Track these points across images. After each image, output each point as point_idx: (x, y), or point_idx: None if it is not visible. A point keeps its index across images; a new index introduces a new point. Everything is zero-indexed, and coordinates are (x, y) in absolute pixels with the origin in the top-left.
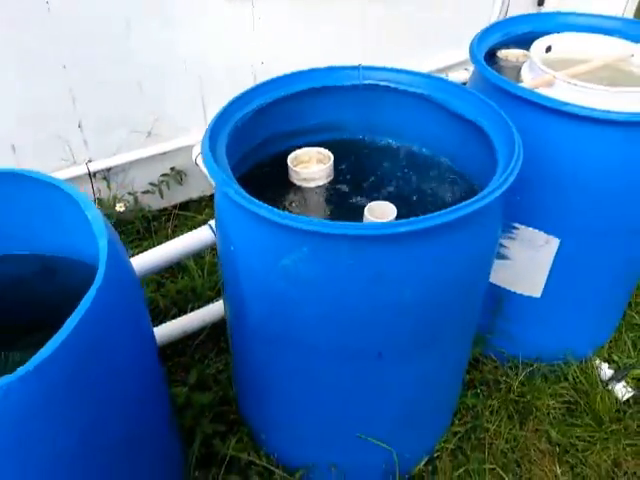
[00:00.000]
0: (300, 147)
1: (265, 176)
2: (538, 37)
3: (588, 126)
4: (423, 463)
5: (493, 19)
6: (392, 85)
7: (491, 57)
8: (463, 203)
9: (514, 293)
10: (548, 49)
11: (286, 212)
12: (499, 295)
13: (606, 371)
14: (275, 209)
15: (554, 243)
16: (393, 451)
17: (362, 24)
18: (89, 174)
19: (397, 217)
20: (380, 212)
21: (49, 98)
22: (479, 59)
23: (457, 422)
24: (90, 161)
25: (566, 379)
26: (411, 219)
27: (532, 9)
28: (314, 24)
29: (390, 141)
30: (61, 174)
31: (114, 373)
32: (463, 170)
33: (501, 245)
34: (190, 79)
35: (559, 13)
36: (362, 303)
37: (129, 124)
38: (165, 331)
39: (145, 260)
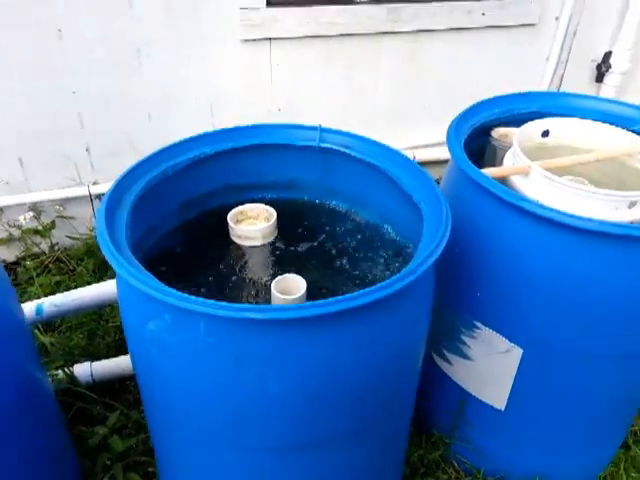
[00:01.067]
0: (252, 202)
1: (210, 227)
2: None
3: (549, 229)
4: None
5: None
6: (342, 150)
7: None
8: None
9: (477, 399)
10: (545, 133)
11: (149, 277)
12: (461, 397)
13: None
14: (138, 274)
15: (516, 352)
16: None
17: (384, 79)
18: (90, 196)
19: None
20: (289, 286)
21: (58, 120)
22: (453, 137)
23: None
24: (95, 183)
25: None
26: (273, 306)
27: (588, 87)
28: (333, 75)
29: (341, 205)
30: (65, 192)
31: None
32: (408, 244)
33: (463, 343)
34: (202, 116)
35: (570, 94)
36: (224, 387)
37: (137, 151)
38: (109, 365)
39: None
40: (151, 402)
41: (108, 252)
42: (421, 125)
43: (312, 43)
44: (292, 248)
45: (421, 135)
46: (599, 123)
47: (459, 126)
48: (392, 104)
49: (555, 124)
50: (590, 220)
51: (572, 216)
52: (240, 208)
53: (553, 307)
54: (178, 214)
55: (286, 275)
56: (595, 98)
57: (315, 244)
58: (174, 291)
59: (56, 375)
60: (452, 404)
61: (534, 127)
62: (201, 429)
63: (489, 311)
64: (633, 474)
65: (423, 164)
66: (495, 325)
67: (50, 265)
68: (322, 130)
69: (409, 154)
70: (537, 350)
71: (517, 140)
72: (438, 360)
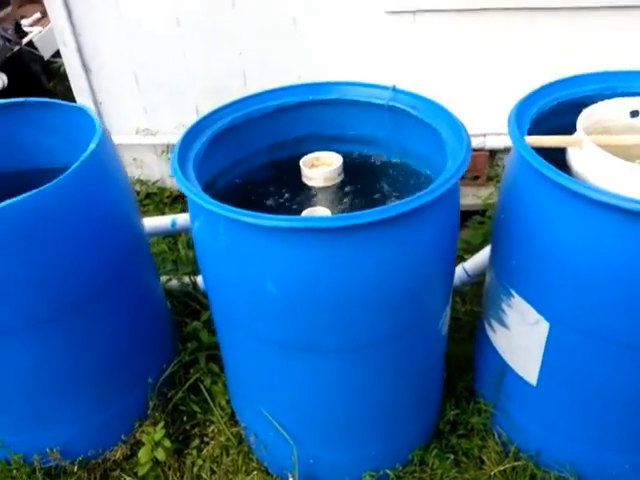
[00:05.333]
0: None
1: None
2: None
3: (581, 204)
4: None
5: None
6: (408, 109)
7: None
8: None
9: (513, 370)
10: (635, 113)
11: (195, 186)
12: (501, 367)
13: None
14: (188, 183)
15: (544, 326)
16: None
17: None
18: None
19: None
20: None
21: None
22: (519, 107)
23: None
24: None
25: None
26: (269, 215)
27: None
28: (475, 50)
29: (405, 160)
30: None
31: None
32: None
33: (502, 311)
34: None
35: None
36: (236, 283)
37: None
38: None
39: None
40: (211, 299)
41: (175, 169)
42: None
43: None
44: (348, 190)
45: None
46: None
47: (535, 95)
48: None
49: None
50: (624, 199)
51: (602, 192)
52: (316, 154)
53: (581, 286)
54: (268, 153)
55: (316, 207)
56: None
57: (372, 190)
58: (206, 196)
59: (182, 279)
60: (493, 372)
61: (620, 105)
62: (229, 319)
63: (521, 280)
64: None
65: None
66: (525, 294)
67: None
68: (395, 90)
69: None
70: (562, 326)
71: (586, 114)
72: (487, 328)
